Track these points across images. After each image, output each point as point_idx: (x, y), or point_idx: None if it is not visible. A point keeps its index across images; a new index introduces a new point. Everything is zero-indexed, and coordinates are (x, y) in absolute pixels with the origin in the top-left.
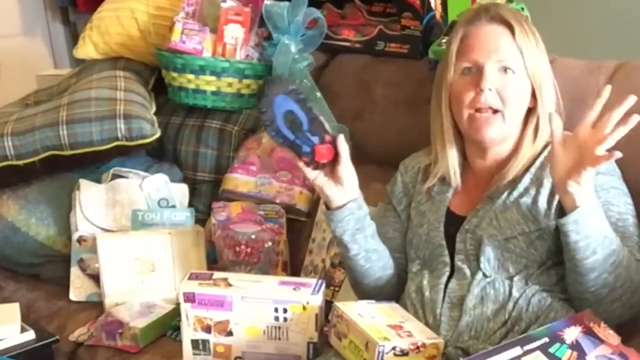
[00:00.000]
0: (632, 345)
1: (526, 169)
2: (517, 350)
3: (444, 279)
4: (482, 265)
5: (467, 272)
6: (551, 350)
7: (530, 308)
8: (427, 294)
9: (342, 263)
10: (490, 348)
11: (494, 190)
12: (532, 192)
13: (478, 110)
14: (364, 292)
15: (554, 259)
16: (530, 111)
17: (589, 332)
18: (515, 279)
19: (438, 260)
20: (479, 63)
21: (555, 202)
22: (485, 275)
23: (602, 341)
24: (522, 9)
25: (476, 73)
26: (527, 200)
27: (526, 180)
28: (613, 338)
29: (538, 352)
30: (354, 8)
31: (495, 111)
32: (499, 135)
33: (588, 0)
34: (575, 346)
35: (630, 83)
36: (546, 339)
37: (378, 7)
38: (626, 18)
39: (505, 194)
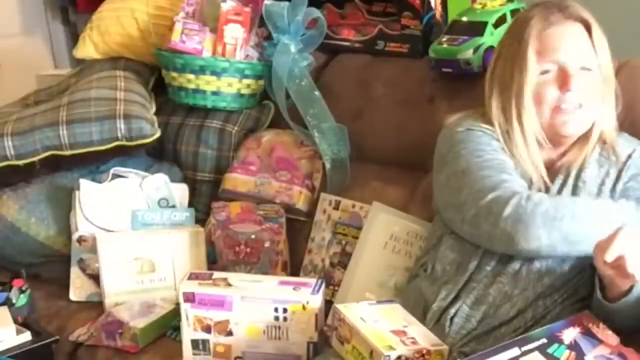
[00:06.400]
0: (631, 345)
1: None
2: (515, 351)
3: (477, 284)
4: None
5: (502, 278)
6: (549, 350)
7: (548, 317)
8: (457, 294)
9: (340, 262)
10: (488, 349)
11: (552, 181)
12: (593, 189)
13: (559, 107)
14: None
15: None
16: None
17: (587, 333)
18: (546, 281)
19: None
20: (561, 63)
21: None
22: (515, 283)
23: (600, 341)
24: (523, 8)
25: (559, 73)
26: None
27: (584, 176)
28: (612, 338)
29: (536, 353)
30: (354, 8)
31: (579, 105)
32: (582, 129)
33: (588, 1)
34: (574, 346)
35: (632, 83)
36: (544, 340)
37: (378, 6)
38: (626, 18)
39: (568, 192)
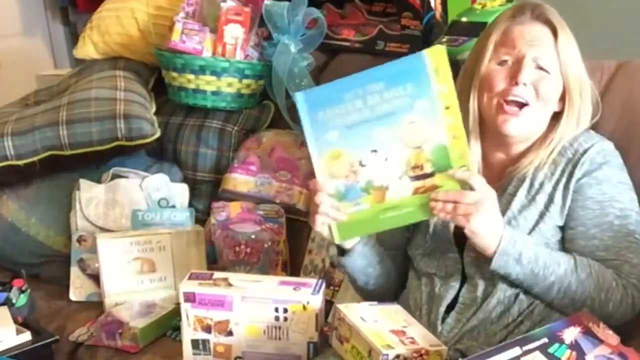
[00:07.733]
0: (632, 345)
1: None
2: (516, 351)
3: (457, 284)
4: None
5: (478, 276)
6: (550, 350)
7: (535, 311)
8: (436, 293)
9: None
10: (489, 348)
11: (507, 184)
12: (548, 188)
13: (507, 102)
14: (364, 290)
15: None
16: (558, 115)
17: (588, 332)
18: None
19: (447, 263)
20: (518, 56)
21: (569, 199)
22: (492, 279)
23: (601, 341)
24: None
25: (512, 66)
26: (542, 197)
27: (540, 176)
28: (612, 338)
29: (537, 353)
30: (354, 8)
31: (523, 105)
32: (525, 130)
33: (588, 0)
34: (575, 346)
35: (632, 82)
36: (545, 339)
37: (378, 6)
38: (626, 18)
39: (524, 193)
